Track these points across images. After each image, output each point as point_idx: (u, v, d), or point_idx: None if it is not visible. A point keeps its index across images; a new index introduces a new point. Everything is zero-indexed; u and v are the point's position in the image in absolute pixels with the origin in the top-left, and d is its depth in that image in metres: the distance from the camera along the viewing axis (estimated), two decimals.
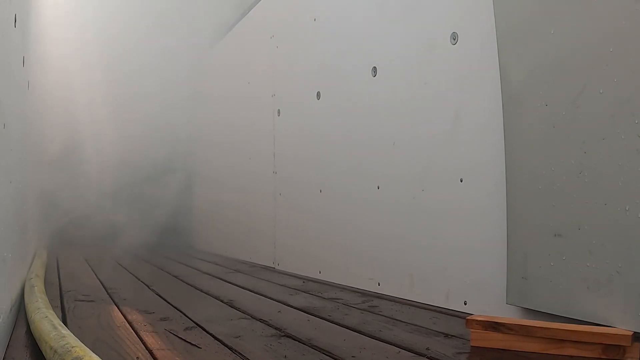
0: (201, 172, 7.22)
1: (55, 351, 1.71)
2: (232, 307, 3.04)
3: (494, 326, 2.09)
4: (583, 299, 2.11)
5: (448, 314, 2.76)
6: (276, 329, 2.47)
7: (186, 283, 4.06)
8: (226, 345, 2.16)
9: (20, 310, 2.79)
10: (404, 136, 3.21)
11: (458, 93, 2.83)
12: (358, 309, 2.95)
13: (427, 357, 2.00)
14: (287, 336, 2.33)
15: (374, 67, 3.46)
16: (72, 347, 1.67)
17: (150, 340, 2.23)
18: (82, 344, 1.72)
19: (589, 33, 2.09)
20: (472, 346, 2.12)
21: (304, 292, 3.53)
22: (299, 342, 2.23)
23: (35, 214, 5.17)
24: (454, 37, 2.85)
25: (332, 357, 2.01)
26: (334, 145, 3.91)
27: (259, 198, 5.20)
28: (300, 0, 4.51)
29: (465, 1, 2.80)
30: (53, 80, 8.20)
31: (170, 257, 6.30)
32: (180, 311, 2.88)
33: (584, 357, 1.93)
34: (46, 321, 2.06)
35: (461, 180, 2.80)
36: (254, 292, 3.55)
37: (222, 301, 3.21)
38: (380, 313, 2.82)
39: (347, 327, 2.49)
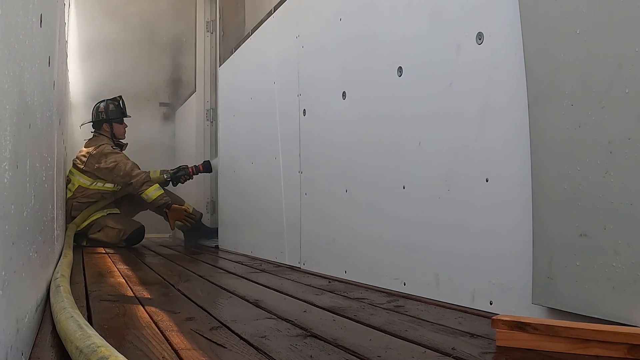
0: (227, 172, 7.23)
1: (80, 351, 1.72)
2: (257, 306, 3.04)
3: (519, 326, 2.08)
4: (609, 299, 2.11)
5: (474, 314, 2.76)
6: (302, 328, 2.48)
7: (212, 283, 4.07)
8: (252, 345, 2.17)
9: (46, 310, 2.81)
10: (429, 136, 3.21)
11: (484, 93, 2.83)
12: (384, 308, 2.95)
13: (452, 357, 2.00)
14: (313, 336, 2.33)
15: (400, 67, 3.45)
16: (98, 347, 1.68)
17: (176, 340, 2.25)
18: (108, 344, 1.73)
19: (615, 33, 2.08)
20: (497, 346, 2.11)
21: (330, 292, 3.53)
22: (325, 342, 2.24)
23: (61, 213, 5.20)
24: (480, 37, 2.84)
25: (358, 357, 2.01)
26: (360, 145, 3.91)
27: (285, 198, 5.21)
28: (325, 0, 4.51)
29: (491, 1, 2.80)
30: None
31: (197, 257, 6.33)
32: (206, 311, 2.89)
33: (610, 357, 1.92)
34: (72, 321, 2.08)
35: (487, 180, 2.79)
36: (280, 292, 3.56)
37: (247, 301, 3.22)
38: (405, 313, 2.82)
39: (373, 327, 2.49)
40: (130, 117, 8.06)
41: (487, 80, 2.81)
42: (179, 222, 7.70)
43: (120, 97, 8.00)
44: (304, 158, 4.82)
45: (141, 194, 7.34)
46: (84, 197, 7.53)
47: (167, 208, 7.43)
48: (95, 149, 7.58)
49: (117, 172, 7.36)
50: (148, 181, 7.41)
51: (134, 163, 7.57)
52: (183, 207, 7.54)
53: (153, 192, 7.37)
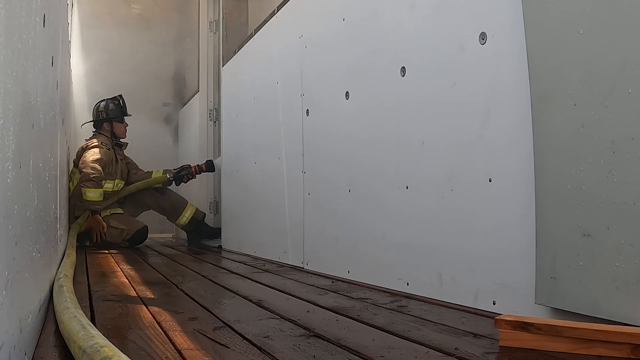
0: (230, 172, 7.23)
1: (84, 351, 1.72)
2: (261, 306, 3.04)
3: (522, 326, 2.08)
4: (612, 299, 2.10)
5: (477, 314, 2.76)
6: (305, 328, 2.48)
7: (215, 283, 4.07)
8: (255, 345, 2.17)
9: (49, 310, 2.82)
10: (432, 136, 3.21)
11: (487, 93, 2.82)
12: (387, 308, 2.95)
13: (455, 357, 2.00)
14: (316, 336, 2.34)
15: (403, 67, 3.45)
16: (101, 346, 1.68)
17: (179, 340, 2.25)
18: (111, 344, 1.73)
19: (618, 32, 2.08)
20: (500, 346, 2.11)
21: (333, 292, 3.53)
22: (328, 341, 2.24)
23: (64, 213, 5.20)
24: (483, 37, 2.84)
25: (361, 357, 2.01)
26: (363, 145, 3.91)
27: (288, 198, 5.21)
28: (329, 0, 4.51)
29: (494, 1, 2.80)
30: None
31: (200, 257, 6.33)
32: (209, 311, 2.90)
33: (613, 357, 1.92)
34: (75, 321, 2.08)
35: (490, 180, 2.79)
36: (283, 292, 3.56)
37: (251, 301, 3.22)
38: (408, 313, 2.82)
39: (376, 327, 2.49)
40: (130, 115, 8.06)
41: (490, 80, 2.81)
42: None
43: (120, 96, 7.99)
44: (307, 158, 4.82)
45: (82, 187, 7.23)
46: None
47: (92, 213, 7.39)
48: (86, 143, 7.60)
49: (83, 157, 7.35)
50: (96, 182, 7.27)
51: (103, 162, 7.48)
52: (104, 224, 7.47)
53: (93, 194, 7.26)
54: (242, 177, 6.76)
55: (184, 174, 8.01)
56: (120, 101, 7.96)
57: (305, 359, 1.99)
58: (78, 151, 7.65)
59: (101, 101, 7.99)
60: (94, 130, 7.98)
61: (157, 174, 8.07)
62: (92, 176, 7.25)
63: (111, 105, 7.91)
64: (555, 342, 2.02)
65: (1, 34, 1.35)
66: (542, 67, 2.40)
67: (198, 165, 8.11)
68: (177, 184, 8.09)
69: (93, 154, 7.39)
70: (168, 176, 7.97)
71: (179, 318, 2.70)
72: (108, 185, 7.58)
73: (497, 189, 2.76)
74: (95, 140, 7.64)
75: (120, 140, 8.02)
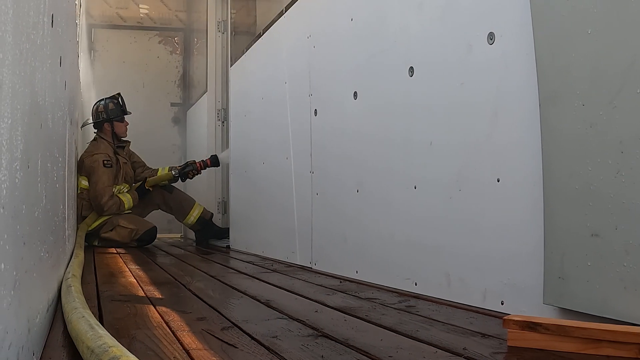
0: (238, 172, 7.23)
1: (92, 351, 1.72)
2: (269, 306, 3.04)
3: (531, 326, 2.08)
4: (620, 299, 2.10)
5: (485, 314, 2.75)
6: (313, 328, 2.48)
7: (223, 283, 4.07)
8: (263, 345, 2.17)
9: (57, 310, 2.82)
10: (440, 136, 3.20)
11: (495, 93, 2.82)
12: (395, 308, 2.95)
13: (464, 357, 1.99)
14: (324, 336, 2.33)
15: (411, 67, 3.45)
16: (109, 347, 1.68)
17: (187, 340, 2.25)
18: (119, 344, 1.73)
19: (626, 32, 2.08)
20: (509, 346, 2.11)
21: (341, 292, 3.53)
22: (336, 341, 2.24)
23: (72, 213, 5.21)
24: (491, 37, 2.84)
25: (369, 357, 2.01)
26: (371, 145, 3.91)
27: (296, 197, 5.21)
28: (337, 0, 4.51)
29: (502, 1, 2.79)
30: None
31: (208, 257, 6.33)
32: (217, 311, 2.90)
33: (621, 357, 1.92)
34: (83, 321, 2.08)
35: (498, 180, 2.79)
36: (291, 292, 3.56)
37: (259, 301, 3.22)
38: (417, 313, 2.82)
39: (384, 327, 2.49)
40: (130, 113, 8.02)
41: (498, 80, 2.80)
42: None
43: (118, 94, 7.92)
44: (315, 157, 4.82)
45: (121, 209, 7.63)
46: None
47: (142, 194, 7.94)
48: (88, 155, 7.62)
49: (94, 190, 7.50)
50: (115, 201, 7.59)
51: (110, 187, 7.59)
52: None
53: (127, 204, 7.68)
54: (251, 176, 6.76)
55: (188, 169, 7.98)
56: (119, 99, 7.90)
57: (313, 359, 1.99)
58: (79, 160, 7.56)
59: (100, 101, 7.93)
60: (95, 131, 7.95)
61: (162, 172, 8.06)
62: (112, 206, 7.51)
63: (110, 105, 7.85)
64: (563, 342, 2.02)
65: (10, 34, 1.36)
66: (550, 67, 2.39)
67: (203, 160, 8.07)
68: (183, 180, 8.06)
69: (101, 187, 7.50)
70: (174, 173, 7.94)
71: (187, 318, 2.70)
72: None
73: (505, 189, 2.76)
74: (96, 156, 7.58)
75: (122, 139, 7.99)
